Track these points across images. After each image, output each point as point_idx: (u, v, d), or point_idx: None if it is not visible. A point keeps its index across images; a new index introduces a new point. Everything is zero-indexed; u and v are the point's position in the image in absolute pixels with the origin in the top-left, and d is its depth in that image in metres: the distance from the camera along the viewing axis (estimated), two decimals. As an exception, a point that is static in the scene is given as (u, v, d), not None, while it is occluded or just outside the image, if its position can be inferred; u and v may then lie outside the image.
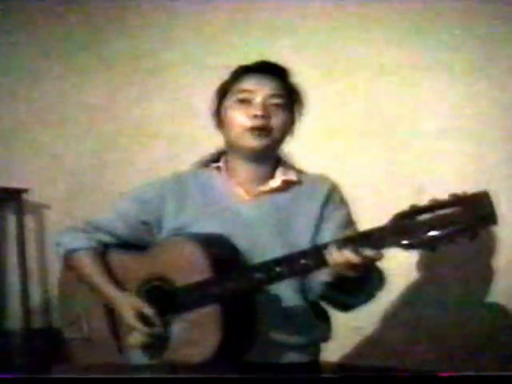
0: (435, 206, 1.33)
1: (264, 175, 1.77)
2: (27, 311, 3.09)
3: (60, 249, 1.80)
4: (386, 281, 1.69)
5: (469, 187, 1.32)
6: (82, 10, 3.26)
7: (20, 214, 3.15)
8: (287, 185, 1.77)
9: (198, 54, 3.01)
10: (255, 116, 1.69)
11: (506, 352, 2.30)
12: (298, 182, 1.78)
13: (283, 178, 1.76)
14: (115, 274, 1.74)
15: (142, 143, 3.14)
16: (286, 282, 1.61)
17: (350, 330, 2.47)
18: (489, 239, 2.38)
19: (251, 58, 1.79)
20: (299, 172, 1.81)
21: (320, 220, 1.73)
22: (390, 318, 2.51)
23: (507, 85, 2.41)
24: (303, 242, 1.67)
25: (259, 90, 1.72)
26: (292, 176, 1.78)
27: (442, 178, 2.45)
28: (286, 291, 1.68)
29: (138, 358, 1.67)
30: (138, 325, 1.63)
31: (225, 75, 1.80)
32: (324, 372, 1.79)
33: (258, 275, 1.54)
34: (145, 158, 3.11)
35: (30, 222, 3.24)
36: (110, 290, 1.71)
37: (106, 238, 1.78)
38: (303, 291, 1.71)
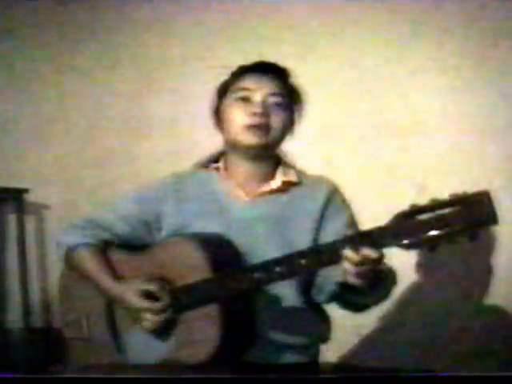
0: (435, 205, 1.32)
1: (264, 175, 1.77)
2: (27, 311, 3.09)
3: (60, 248, 1.80)
4: (397, 280, 1.67)
5: (469, 187, 1.32)
6: (81, 10, 3.27)
7: (20, 213, 3.15)
8: (287, 186, 1.76)
9: (198, 54, 3.01)
10: (254, 114, 1.69)
11: (506, 352, 2.30)
12: (299, 183, 1.78)
13: (283, 178, 1.76)
14: (115, 274, 1.74)
15: (141, 143, 3.14)
16: (286, 281, 1.61)
17: (349, 330, 2.47)
18: (489, 239, 2.38)
19: (251, 59, 1.79)
20: (299, 173, 1.81)
21: (320, 221, 1.73)
22: (390, 318, 2.51)
23: (507, 84, 2.41)
24: (303, 243, 1.67)
25: (259, 89, 1.72)
26: (292, 177, 1.77)
27: (442, 178, 2.45)
28: (286, 291, 1.68)
29: (138, 357, 1.67)
30: (146, 303, 1.63)
31: (224, 75, 1.80)
32: (323, 372, 1.79)
33: (257, 275, 1.54)
34: (145, 157, 3.11)
35: (29, 221, 3.24)
36: (110, 283, 1.71)
37: (106, 236, 1.78)
38: (304, 291, 1.71)
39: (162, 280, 1.66)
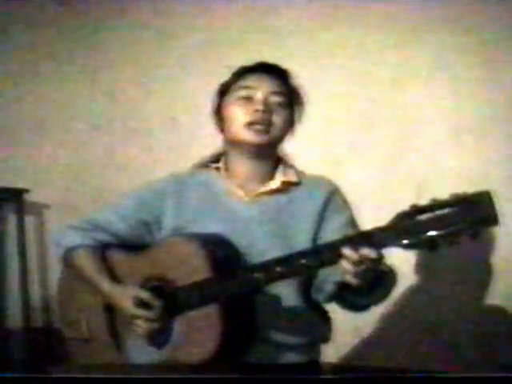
0: (436, 205, 1.32)
1: (264, 175, 1.77)
2: (27, 311, 3.09)
3: (59, 249, 1.80)
4: (397, 280, 1.66)
5: (469, 187, 1.32)
6: (81, 10, 3.27)
7: (20, 213, 3.15)
8: (287, 186, 1.76)
9: (198, 54, 3.01)
10: (256, 111, 1.69)
11: (506, 352, 2.30)
12: (298, 183, 1.78)
13: (283, 178, 1.76)
14: (114, 274, 1.74)
15: (141, 143, 3.14)
16: (286, 281, 1.62)
17: (349, 330, 2.47)
18: (489, 239, 2.38)
19: (251, 59, 1.79)
20: (299, 173, 1.81)
21: (320, 222, 1.72)
22: (390, 318, 2.51)
23: (508, 84, 2.41)
24: (303, 243, 1.67)
25: (261, 87, 1.72)
26: (292, 177, 1.77)
27: (442, 178, 2.45)
28: (286, 291, 1.68)
29: (138, 357, 1.67)
30: (139, 312, 1.63)
31: (225, 76, 1.80)
32: (324, 372, 1.79)
33: (257, 275, 1.54)
34: (144, 158, 3.11)
35: (29, 221, 3.24)
36: (107, 285, 1.71)
37: (106, 237, 1.78)
38: (304, 291, 1.71)
39: (162, 280, 1.66)
